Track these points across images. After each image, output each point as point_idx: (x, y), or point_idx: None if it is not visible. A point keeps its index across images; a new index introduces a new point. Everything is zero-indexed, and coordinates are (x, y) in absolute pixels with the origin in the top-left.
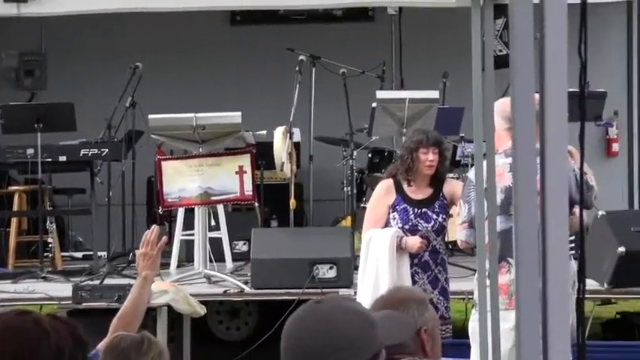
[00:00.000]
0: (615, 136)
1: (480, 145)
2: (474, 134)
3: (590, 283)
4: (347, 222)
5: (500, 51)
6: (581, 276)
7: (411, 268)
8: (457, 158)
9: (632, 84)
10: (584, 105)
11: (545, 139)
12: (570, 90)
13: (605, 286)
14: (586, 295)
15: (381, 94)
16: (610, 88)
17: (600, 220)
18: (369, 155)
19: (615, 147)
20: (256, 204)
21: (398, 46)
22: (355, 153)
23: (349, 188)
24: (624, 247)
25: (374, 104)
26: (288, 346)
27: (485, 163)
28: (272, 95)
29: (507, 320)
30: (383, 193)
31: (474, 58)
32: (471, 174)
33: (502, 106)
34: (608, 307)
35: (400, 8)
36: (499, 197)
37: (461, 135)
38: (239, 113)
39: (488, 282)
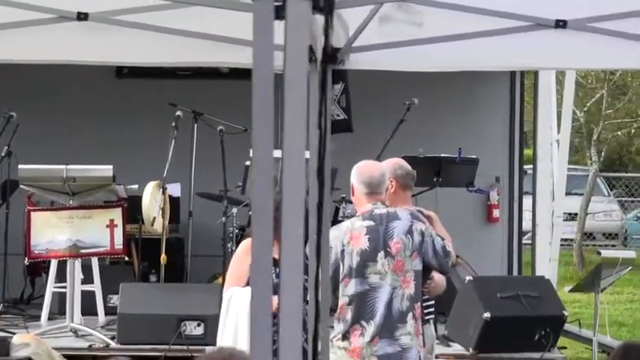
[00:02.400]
0: (496, 202)
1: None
2: None
3: (457, 348)
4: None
5: (338, 115)
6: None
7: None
8: (339, 218)
9: (514, 150)
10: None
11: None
12: (443, 155)
13: (471, 350)
14: None
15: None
16: (492, 155)
17: (468, 285)
18: (250, 212)
19: (496, 213)
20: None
21: (281, 103)
22: (235, 210)
23: (230, 244)
24: (489, 313)
25: (247, 162)
26: None
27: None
28: (151, 149)
29: None
30: (244, 252)
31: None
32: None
33: (360, 169)
34: None
35: None
36: (355, 260)
37: (342, 196)
38: (110, 167)
39: (341, 344)
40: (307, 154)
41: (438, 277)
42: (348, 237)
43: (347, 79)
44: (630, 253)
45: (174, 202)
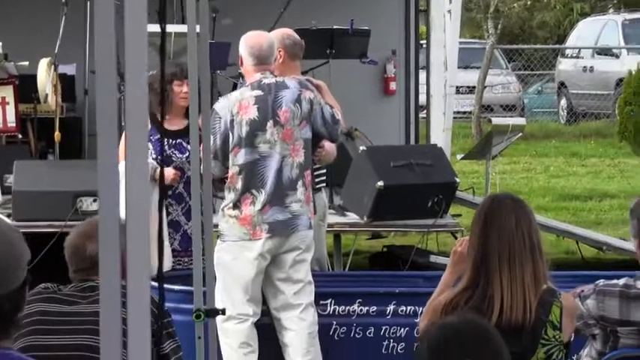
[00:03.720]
0: (393, 75)
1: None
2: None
3: (353, 217)
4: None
5: None
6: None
7: (166, 199)
8: None
9: (410, 24)
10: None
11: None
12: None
13: (365, 219)
14: (347, 228)
15: (148, 28)
16: (388, 28)
17: (361, 155)
18: None
19: (393, 85)
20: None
21: None
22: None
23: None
24: (383, 182)
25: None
26: None
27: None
28: (41, 27)
29: (252, 250)
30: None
31: None
32: (217, 105)
33: (248, 40)
34: (379, 241)
35: None
36: (244, 130)
37: (239, 71)
38: None
39: (232, 212)
40: None
41: (328, 146)
42: (237, 107)
43: None
44: (520, 120)
45: (68, 80)
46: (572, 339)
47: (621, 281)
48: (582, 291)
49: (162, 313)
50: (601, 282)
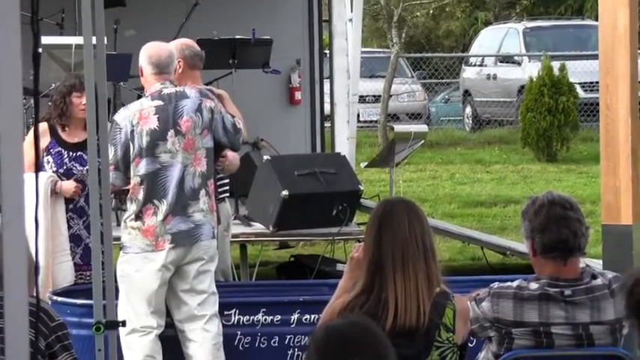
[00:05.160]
0: (298, 85)
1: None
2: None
3: (258, 227)
4: None
5: None
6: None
7: (67, 213)
8: None
9: (313, 33)
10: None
11: None
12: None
13: (271, 228)
14: (252, 238)
15: (46, 40)
16: (292, 38)
17: (265, 164)
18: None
19: (298, 95)
20: None
21: None
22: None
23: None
24: (287, 191)
25: (39, 50)
26: None
27: None
28: None
29: (155, 261)
30: (31, 140)
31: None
32: (117, 116)
33: (148, 50)
34: (287, 251)
35: None
36: (145, 140)
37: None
38: None
39: (135, 224)
40: None
41: (230, 155)
42: (137, 117)
43: None
44: (423, 127)
45: None
46: (466, 341)
47: (515, 283)
48: (478, 294)
49: (55, 326)
50: (495, 285)
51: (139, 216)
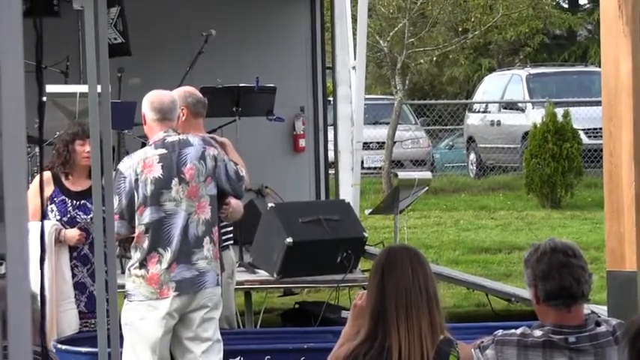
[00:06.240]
0: (302, 132)
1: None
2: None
3: (263, 274)
4: None
5: (115, 39)
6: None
7: (71, 261)
8: None
9: (317, 80)
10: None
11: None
12: (241, 85)
13: (275, 276)
14: (257, 285)
15: (50, 88)
16: (296, 85)
17: (270, 211)
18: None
19: (302, 142)
20: None
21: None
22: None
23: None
24: (292, 238)
25: (44, 98)
26: None
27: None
28: None
29: (159, 309)
30: (37, 187)
31: (87, 48)
32: (121, 165)
33: (151, 98)
34: (291, 298)
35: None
36: (149, 188)
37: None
38: None
39: (139, 272)
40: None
41: (234, 202)
42: (141, 166)
43: (122, 1)
44: (426, 174)
45: None
46: None
47: (518, 330)
48: (482, 342)
49: None
50: (499, 332)
51: (143, 264)
